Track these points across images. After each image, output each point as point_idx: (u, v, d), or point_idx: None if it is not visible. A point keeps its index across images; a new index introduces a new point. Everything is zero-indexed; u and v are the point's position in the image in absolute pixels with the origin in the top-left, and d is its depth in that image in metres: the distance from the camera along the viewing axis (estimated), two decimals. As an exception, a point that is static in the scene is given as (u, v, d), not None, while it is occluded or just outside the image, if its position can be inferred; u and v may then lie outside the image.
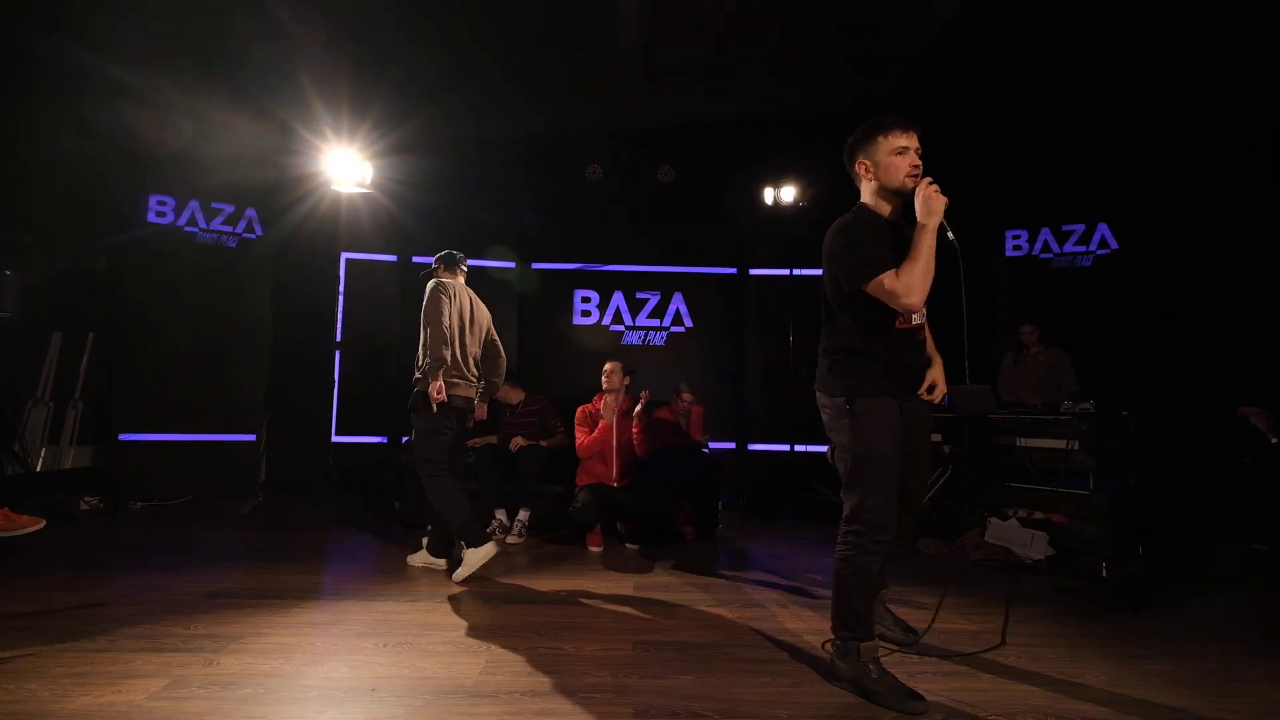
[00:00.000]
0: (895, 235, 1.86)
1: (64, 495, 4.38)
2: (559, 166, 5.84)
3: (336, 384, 5.50)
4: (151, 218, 4.96)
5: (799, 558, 3.57)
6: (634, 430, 3.79)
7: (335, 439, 5.38)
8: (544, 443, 4.13)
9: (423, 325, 3.05)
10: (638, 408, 3.80)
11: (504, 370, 3.50)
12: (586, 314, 5.67)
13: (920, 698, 1.75)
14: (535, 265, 5.73)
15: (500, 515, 3.94)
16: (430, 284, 3.11)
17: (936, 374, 2.01)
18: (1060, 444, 3.66)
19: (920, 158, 1.87)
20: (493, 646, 2.15)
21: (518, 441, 4.04)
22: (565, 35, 4.60)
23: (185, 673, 1.89)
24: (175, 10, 4.14)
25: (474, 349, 3.28)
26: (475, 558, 2.92)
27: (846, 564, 1.87)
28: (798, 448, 4.93)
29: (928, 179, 1.81)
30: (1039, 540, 3.43)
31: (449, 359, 3.02)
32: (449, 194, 5.53)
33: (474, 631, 2.28)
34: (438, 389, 2.93)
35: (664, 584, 2.98)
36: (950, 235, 1.78)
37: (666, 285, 5.68)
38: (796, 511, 4.90)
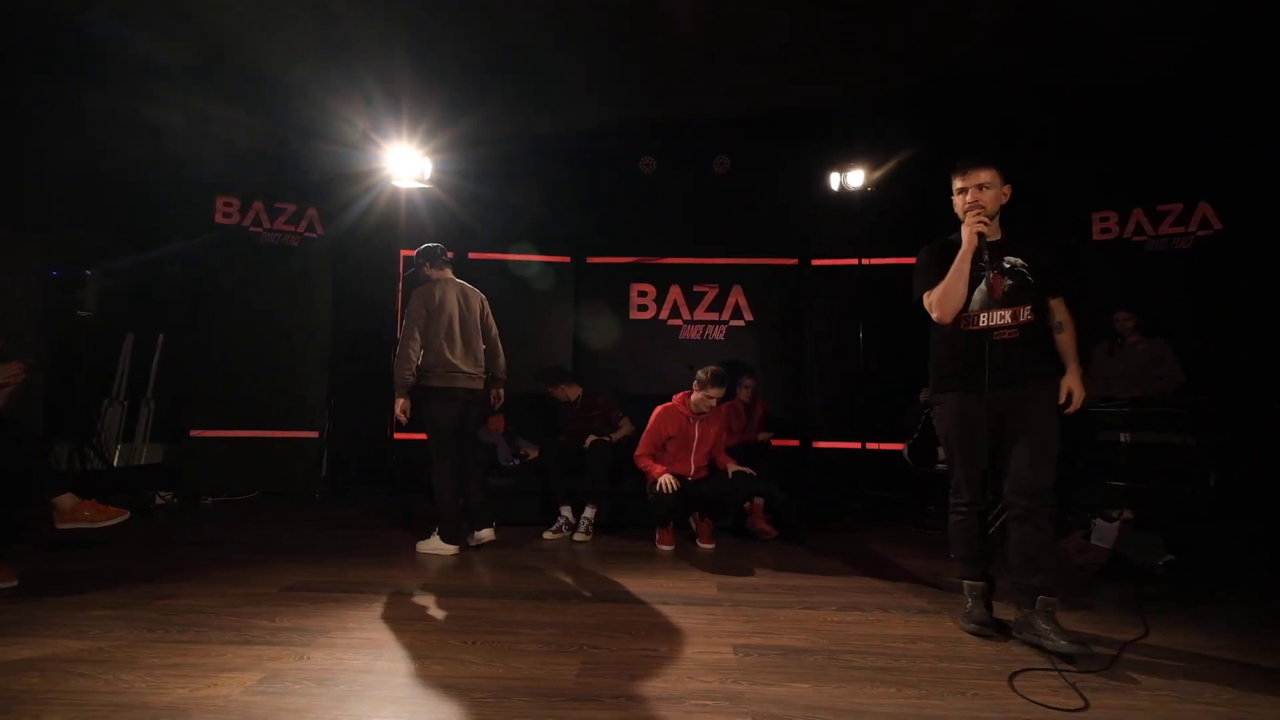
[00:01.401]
0: (975, 257, 2.17)
1: (140, 490, 4.48)
2: (612, 159, 5.74)
3: (395, 381, 5.50)
4: (218, 219, 5.05)
5: (882, 559, 3.37)
6: (722, 435, 3.72)
7: (395, 435, 5.38)
8: (612, 436, 4.02)
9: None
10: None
11: (501, 362, 3.59)
12: (643, 308, 5.55)
13: (984, 623, 2.21)
14: (590, 260, 5.64)
15: (566, 512, 3.85)
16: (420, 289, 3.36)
17: (1070, 382, 2.17)
18: (1173, 439, 3.36)
19: (981, 191, 2.18)
20: (584, 647, 2.03)
21: (589, 439, 3.95)
22: (619, 21, 4.50)
23: (277, 666, 1.83)
24: (243, 15, 4.19)
25: (474, 340, 3.42)
26: (442, 549, 3.27)
27: (949, 520, 2.33)
28: (869, 445, 4.70)
29: (974, 211, 2.15)
30: (1154, 543, 3.15)
31: (417, 368, 3.29)
32: (503, 189, 5.50)
33: (561, 630, 2.18)
34: (402, 408, 3.29)
35: (749, 584, 2.83)
36: (985, 256, 2.16)
37: (725, 277, 5.52)
38: (868, 512, 4.68)
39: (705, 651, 2.01)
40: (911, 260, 5.30)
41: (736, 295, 5.47)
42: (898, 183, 4.84)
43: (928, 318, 2.28)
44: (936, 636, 2.20)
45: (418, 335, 3.30)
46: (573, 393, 4.28)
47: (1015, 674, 1.87)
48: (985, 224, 2.14)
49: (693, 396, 3.64)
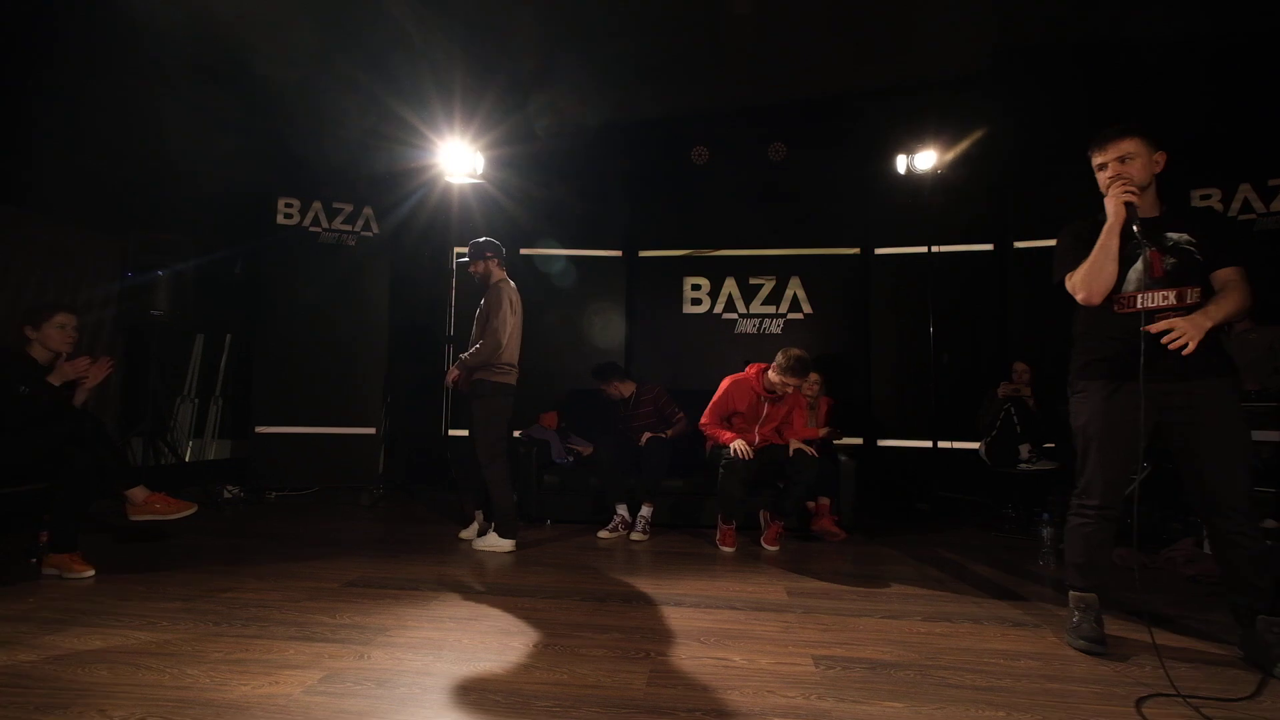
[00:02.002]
0: (1124, 232, 1.96)
1: (210, 484, 4.61)
2: (663, 150, 5.60)
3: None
4: (280, 220, 5.17)
5: (960, 565, 3.13)
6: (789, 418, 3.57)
7: (450, 432, 5.40)
8: (668, 433, 3.90)
9: (484, 320, 3.27)
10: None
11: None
12: (697, 302, 5.39)
13: (1095, 639, 1.97)
14: (641, 253, 5.53)
15: (622, 511, 3.74)
16: (492, 283, 3.33)
17: (1194, 318, 1.86)
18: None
19: (1124, 163, 1.98)
20: (651, 654, 1.91)
21: (645, 436, 3.84)
22: (673, 6, 4.37)
23: (338, 665, 1.78)
24: (310, 18, 4.26)
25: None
26: (500, 545, 3.23)
27: (1068, 522, 2.11)
28: (941, 444, 4.41)
29: (1119, 182, 1.96)
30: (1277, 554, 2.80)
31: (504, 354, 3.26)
32: (553, 183, 5.43)
33: (626, 635, 2.06)
34: (455, 378, 3.36)
35: (820, 589, 2.65)
36: (1135, 228, 1.91)
37: (782, 269, 5.30)
38: (938, 515, 4.40)
39: (782, 663, 1.86)
40: (988, 246, 5.01)
41: (795, 287, 5.25)
42: (972, 163, 4.52)
43: (1072, 301, 2.10)
44: (1039, 653, 1.98)
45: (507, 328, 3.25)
46: (626, 389, 4.16)
47: (1142, 700, 1.65)
48: (1134, 194, 1.92)
49: (770, 375, 3.42)
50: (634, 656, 1.88)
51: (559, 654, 1.89)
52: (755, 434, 3.53)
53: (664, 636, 2.05)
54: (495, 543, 3.25)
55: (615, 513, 3.73)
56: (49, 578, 2.59)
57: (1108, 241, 1.95)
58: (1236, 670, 1.85)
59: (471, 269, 3.40)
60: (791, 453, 3.41)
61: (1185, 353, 1.83)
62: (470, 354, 3.25)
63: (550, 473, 4.05)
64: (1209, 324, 1.84)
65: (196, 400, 5.51)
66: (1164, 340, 1.85)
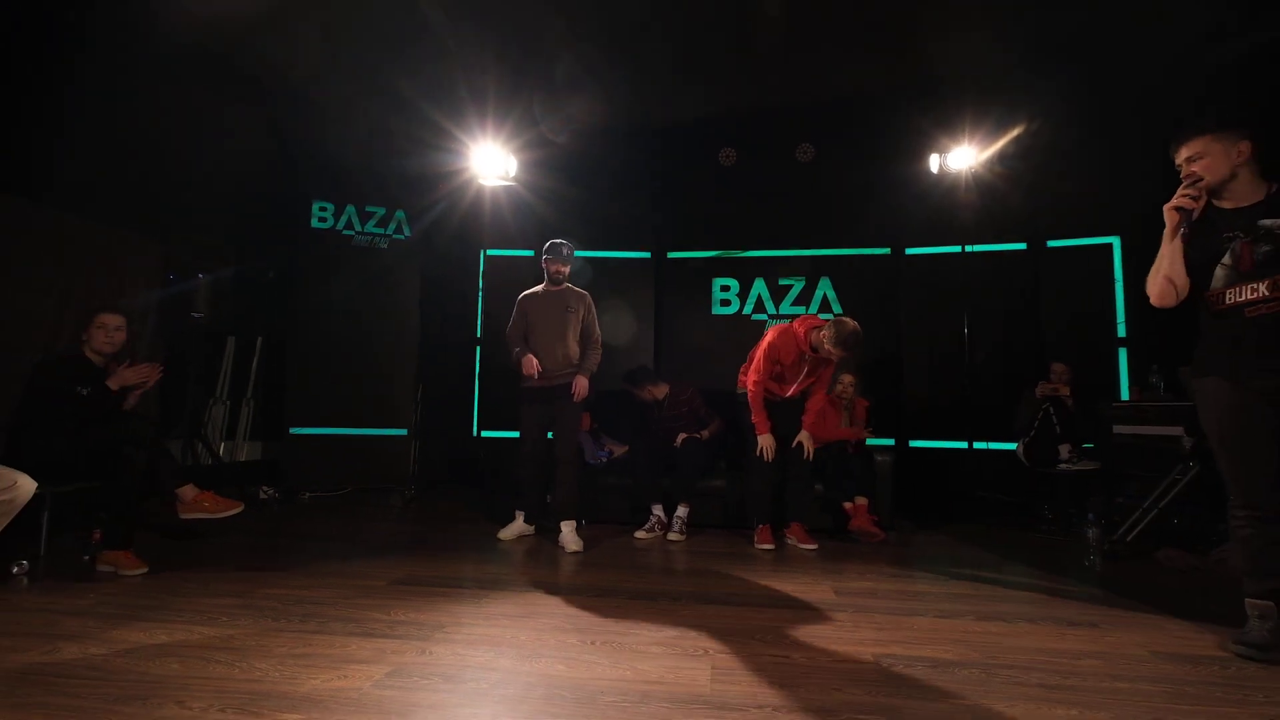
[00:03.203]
0: (1206, 227, 1.99)
1: (246, 484, 4.67)
2: (691, 152, 5.63)
3: (477, 379, 5.57)
4: (315, 224, 5.24)
5: (1001, 565, 3.10)
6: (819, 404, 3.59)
7: (482, 434, 5.44)
8: (703, 434, 3.89)
9: (595, 328, 3.62)
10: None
11: None
12: (726, 303, 5.39)
13: (1254, 646, 1.88)
14: (670, 255, 5.54)
15: (658, 511, 3.74)
16: (577, 289, 3.62)
17: None
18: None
19: (1194, 163, 1.98)
20: (710, 651, 1.91)
21: (681, 436, 3.85)
22: (702, 8, 4.38)
23: (402, 660, 1.80)
24: (344, 27, 4.33)
25: None
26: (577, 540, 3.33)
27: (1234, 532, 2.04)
28: (977, 444, 4.37)
29: (1182, 188, 1.97)
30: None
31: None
32: (582, 185, 5.46)
33: (681, 633, 2.06)
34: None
35: (867, 589, 2.64)
36: (1184, 231, 1.97)
37: (811, 270, 5.28)
38: (973, 515, 4.35)
39: (844, 661, 1.85)
40: (1021, 245, 4.95)
41: (825, 288, 5.23)
42: (1004, 162, 4.49)
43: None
44: (1100, 652, 1.95)
45: None
46: (660, 392, 4.16)
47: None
48: (1189, 199, 1.95)
49: (824, 340, 3.25)
50: (693, 654, 1.88)
51: (618, 650, 1.90)
52: (790, 388, 3.54)
53: (719, 634, 2.05)
54: (573, 538, 3.33)
55: (651, 513, 3.74)
56: (104, 574, 2.64)
57: (1168, 248, 2.00)
58: (1309, 672, 1.81)
59: (558, 269, 3.56)
60: (794, 444, 3.48)
61: (1252, 313, 1.86)
62: (593, 361, 3.52)
63: (584, 474, 4.06)
64: None
65: (228, 402, 5.59)
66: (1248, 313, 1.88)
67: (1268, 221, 1.88)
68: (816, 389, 3.57)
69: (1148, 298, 2.09)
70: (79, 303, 4.01)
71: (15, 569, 2.55)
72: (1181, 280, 2.00)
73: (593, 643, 1.96)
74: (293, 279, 5.27)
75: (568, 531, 3.33)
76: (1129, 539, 3.25)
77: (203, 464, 4.62)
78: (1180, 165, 2.02)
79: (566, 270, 3.56)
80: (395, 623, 2.12)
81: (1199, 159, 1.97)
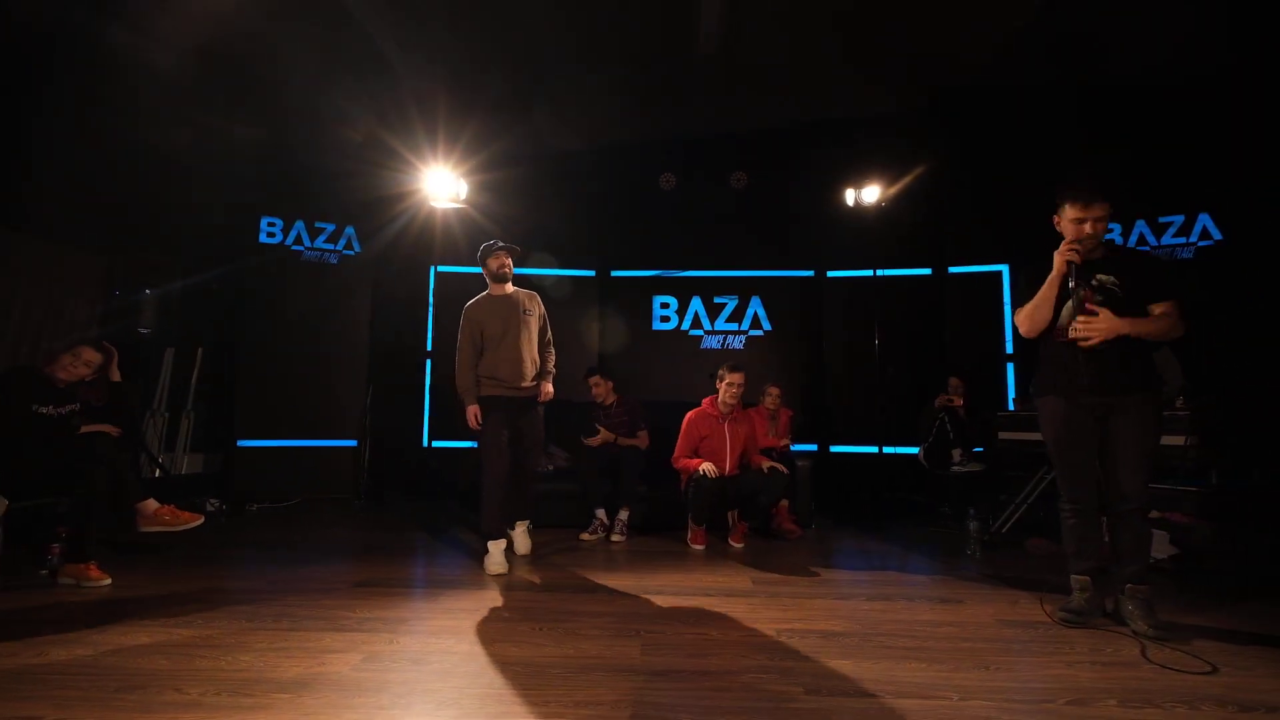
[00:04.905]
0: (1076, 276, 2.34)
1: (192, 497, 4.70)
2: (634, 176, 6.00)
3: (427, 391, 5.75)
4: (263, 238, 5.32)
5: (902, 556, 3.58)
6: (753, 434, 3.99)
7: (433, 444, 5.62)
8: (638, 441, 4.25)
9: (548, 329, 3.57)
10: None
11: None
12: (666, 319, 5.78)
13: (1076, 613, 2.37)
14: (614, 273, 5.88)
15: (601, 515, 4.06)
16: (525, 292, 3.49)
17: (1110, 320, 2.31)
18: (1177, 440, 3.55)
19: (1098, 223, 2.34)
20: (642, 632, 2.25)
21: (624, 441, 4.20)
22: (644, 45, 4.75)
23: (373, 649, 2.05)
24: (290, 46, 4.47)
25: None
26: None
27: (1062, 521, 2.49)
28: (886, 449, 4.90)
29: (1072, 244, 2.33)
30: (1159, 540, 3.34)
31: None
32: (531, 206, 5.73)
33: (617, 619, 2.39)
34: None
35: (781, 579, 3.04)
36: (1071, 283, 2.32)
37: (744, 289, 5.74)
38: (884, 513, 4.86)
39: (752, 635, 2.22)
40: (926, 271, 5.52)
41: (755, 306, 5.70)
42: (910, 197, 5.07)
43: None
44: (959, 621, 2.40)
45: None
46: (607, 392, 4.43)
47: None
48: (1077, 254, 2.31)
49: (720, 395, 3.88)
50: (627, 634, 2.22)
51: (563, 634, 2.21)
52: (726, 463, 3.88)
53: (650, 618, 2.40)
54: (525, 540, 3.53)
55: (595, 516, 4.05)
56: (65, 587, 2.74)
57: (1048, 291, 2.37)
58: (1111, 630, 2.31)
59: (502, 263, 3.39)
60: (767, 470, 3.85)
61: (1084, 344, 2.29)
62: (553, 363, 3.53)
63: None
64: (1124, 329, 2.26)
65: (167, 414, 5.55)
66: (1071, 335, 2.31)
67: (1103, 277, 2.36)
68: (757, 427, 4.07)
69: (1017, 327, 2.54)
70: (19, 318, 4.02)
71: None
72: (1048, 317, 2.40)
73: (540, 628, 2.27)
74: (240, 293, 5.32)
75: (520, 532, 3.57)
76: (1004, 530, 3.80)
77: (144, 476, 4.62)
78: (1086, 220, 2.32)
79: (511, 264, 3.39)
80: (363, 619, 2.36)
81: (1100, 221, 2.33)
